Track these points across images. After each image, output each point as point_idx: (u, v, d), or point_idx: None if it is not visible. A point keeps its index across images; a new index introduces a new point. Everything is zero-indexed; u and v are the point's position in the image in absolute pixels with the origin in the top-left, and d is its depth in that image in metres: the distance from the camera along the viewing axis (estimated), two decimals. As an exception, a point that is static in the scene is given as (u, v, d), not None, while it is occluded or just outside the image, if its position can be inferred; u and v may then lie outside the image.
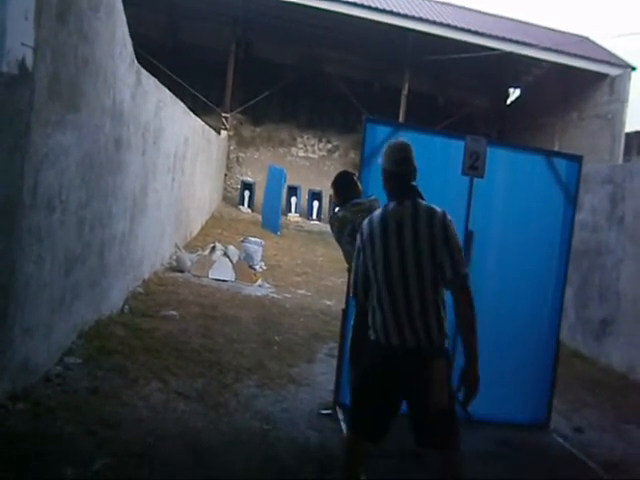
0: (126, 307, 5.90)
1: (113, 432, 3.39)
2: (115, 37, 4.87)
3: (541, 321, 4.69)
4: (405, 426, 2.77)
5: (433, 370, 2.59)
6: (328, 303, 8.28)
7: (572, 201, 4.67)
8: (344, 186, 4.05)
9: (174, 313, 6.20)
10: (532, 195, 4.62)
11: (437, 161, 4.47)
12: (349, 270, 3.97)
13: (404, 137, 4.34)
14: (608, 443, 4.70)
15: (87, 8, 4.11)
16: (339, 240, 3.94)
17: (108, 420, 3.52)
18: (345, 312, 4.41)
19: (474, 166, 4.33)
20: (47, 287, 3.83)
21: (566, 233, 4.67)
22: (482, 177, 4.36)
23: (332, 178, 4.39)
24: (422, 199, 2.82)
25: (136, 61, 5.66)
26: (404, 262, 2.66)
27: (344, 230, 3.85)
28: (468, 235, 4.41)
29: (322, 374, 5.24)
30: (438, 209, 2.78)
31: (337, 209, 4.05)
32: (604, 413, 5.34)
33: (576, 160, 4.72)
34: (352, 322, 3.89)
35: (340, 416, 4.30)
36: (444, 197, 4.43)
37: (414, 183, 2.89)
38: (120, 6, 4.93)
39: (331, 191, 4.12)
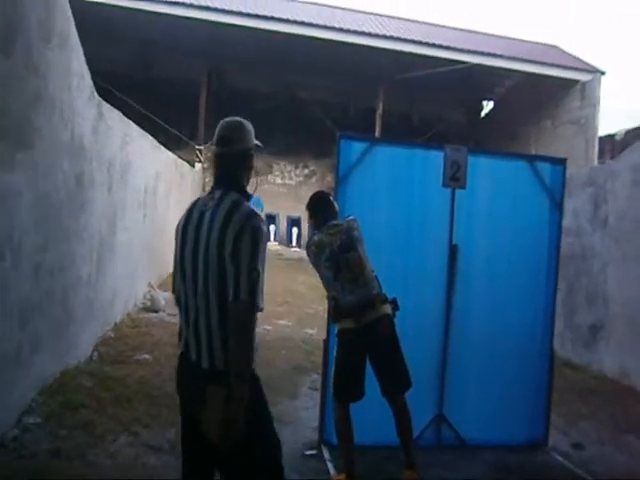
0: (95, 354, 5.54)
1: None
2: (71, 68, 4.62)
3: (533, 334, 4.48)
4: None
5: (208, 398, 2.12)
6: (310, 332, 7.98)
7: (558, 206, 4.49)
8: (320, 207, 3.77)
9: (147, 357, 5.86)
10: (517, 203, 4.43)
11: (417, 174, 4.29)
12: (328, 297, 3.72)
13: (381, 152, 4.25)
14: (610, 458, 4.47)
15: (37, 38, 3.87)
16: (317, 265, 3.63)
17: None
18: (326, 343, 4.16)
19: (455, 177, 4.15)
20: (-2, 343, 3.49)
21: (554, 239, 4.50)
22: (464, 188, 4.18)
23: None
24: (243, 193, 2.30)
25: (96, 94, 5.41)
26: (195, 263, 2.21)
27: (321, 255, 3.57)
28: (452, 249, 4.24)
29: (305, 409, 4.99)
30: (246, 209, 2.20)
31: (313, 232, 3.77)
32: (601, 424, 5.11)
33: (560, 163, 4.55)
34: (334, 353, 3.64)
35: (326, 455, 4.03)
36: (426, 211, 4.31)
37: (239, 171, 2.35)
38: (75, 35, 4.70)
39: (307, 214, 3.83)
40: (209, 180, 19.86)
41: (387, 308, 3.56)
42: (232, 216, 2.16)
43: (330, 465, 3.86)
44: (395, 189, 4.26)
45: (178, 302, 2.32)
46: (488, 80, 20.81)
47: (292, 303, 10.17)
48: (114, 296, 6.56)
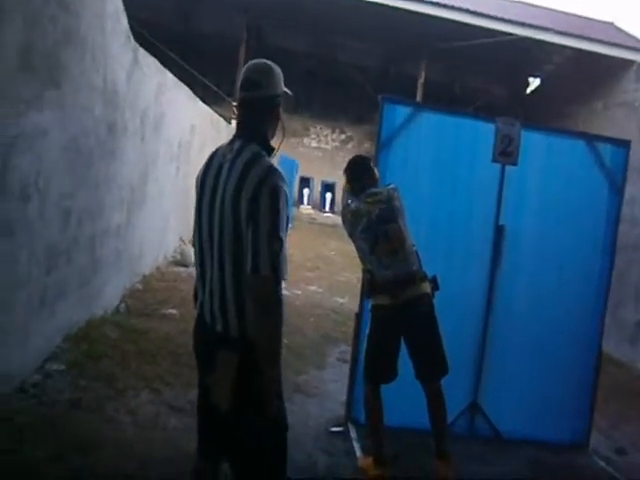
0: (122, 306, 5.46)
1: (89, 458, 2.93)
2: (105, 10, 4.42)
3: (581, 328, 4.16)
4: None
5: (217, 364, 1.98)
6: (341, 301, 7.83)
7: (618, 191, 4.14)
8: (359, 173, 3.48)
9: (174, 312, 5.75)
10: (572, 184, 4.09)
11: (464, 146, 4.00)
12: (364, 270, 3.49)
13: (427, 118, 3.94)
14: (655, 466, 4.17)
15: (67, -26, 3.65)
16: (352, 235, 3.39)
17: (87, 441, 3.07)
18: (359, 317, 3.94)
19: (506, 152, 3.86)
20: (22, 287, 3.39)
21: (611, 227, 4.15)
22: (515, 164, 3.88)
23: None
24: (265, 146, 2.04)
25: (133, 39, 5.19)
26: (211, 222, 2.00)
27: (358, 224, 3.30)
28: (499, 230, 3.96)
29: (333, 382, 4.80)
30: (265, 164, 1.95)
31: (350, 200, 3.51)
32: (646, 430, 4.80)
33: (623, 145, 4.18)
34: (366, 330, 3.44)
35: (352, 434, 3.84)
36: (472, 187, 4.01)
37: (264, 121, 2.09)
38: (109, -26, 4.47)
39: (344, 179, 3.56)
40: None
41: (427, 286, 3.30)
42: (249, 172, 1.91)
43: (356, 445, 3.68)
44: (440, 160, 3.98)
45: (195, 258, 2.13)
46: (536, 55, 19.87)
47: (323, 269, 10.04)
48: (143, 248, 6.46)
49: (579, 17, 20.40)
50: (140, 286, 6.26)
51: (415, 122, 3.89)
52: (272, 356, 1.89)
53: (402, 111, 3.91)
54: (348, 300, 7.86)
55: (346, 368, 5.08)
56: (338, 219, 16.48)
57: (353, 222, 3.35)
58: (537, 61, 20.59)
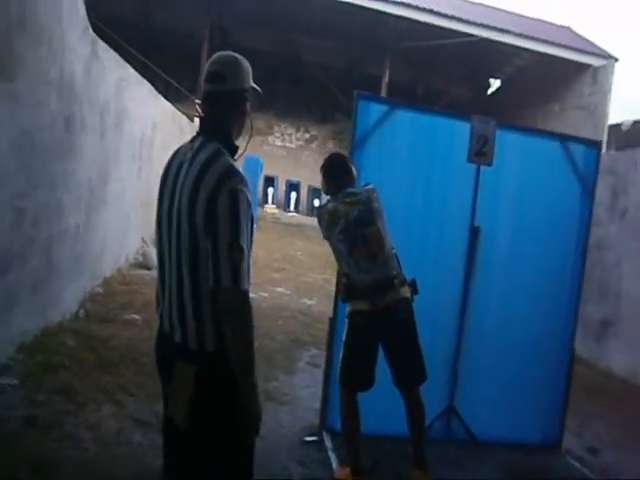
0: (81, 311, 5.16)
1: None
2: (62, -3, 4.14)
3: (554, 329, 4.12)
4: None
5: (176, 375, 1.86)
6: (309, 303, 7.70)
7: (590, 192, 4.10)
8: (336, 171, 3.31)
9: (136, 317, 5.48)
10: (545, 185, 4.03)
11: (439, 145, 3.89)
12: (340, 273, 3.32)
13: (402, 116, 3.78)
14: (628, 465, 4.14)
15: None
16: (329, 237, 3.20)
17: (44, 462, 2.82)
18: (333, 321, 3.79)
19: (481, 152, 3.76)
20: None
21: (583, 228, 4.11)
22: (490, 165, 3.79)
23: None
24: (226, 144, 1.87)
25: (91, 30, 4.92)
26: (169, 228, 1.86)
27: (335, 225, 3.13)
28: (474, 231, 3.87)
29: (304, 388, 4.64)
30: (223, 164, 1.78)
31: (326, 200, 3.32)
32: (615, 427, 4.79)
33: (594, 146, 4.16)
34: (342, 336, 3.28)
35: (327, 444, 3.67)
36: (447, 187, 3.88)
37: (229, 117, 1.92)
38: (66, -43, 4.20)
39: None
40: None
41: (406, 291, 3.16)
42: (206, 172, 1.76)
43: (332, 455, 3.51)
44: (415, 160, 3.86)
45: (157, 263, 1.97)
46: (497, 58, 20.18)
47: (289, 270, 9.85)
48: (104, 249, 6.16)
49: (537, 20, 20.71)
50: (101, 289, 5.96)
51: (390, 120, 3.75)
52: (246, 365, 1.78)
53: (377, 109, 3.76)
54: (316, 302, 7.74)
55: (317, 373, 4.93)
56: (303, 219, 16.45)
57: (330, 222, 3.17)
58: (498, 63, 20.93)
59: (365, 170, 3.63)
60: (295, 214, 18.57)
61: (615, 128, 17.24)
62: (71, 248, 4.87)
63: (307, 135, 21.26)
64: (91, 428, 3.31)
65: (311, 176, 20.00)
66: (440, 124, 3.91)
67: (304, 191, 19.27)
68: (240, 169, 1.80)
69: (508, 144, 3.86)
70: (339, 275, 3.40)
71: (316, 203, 18.90)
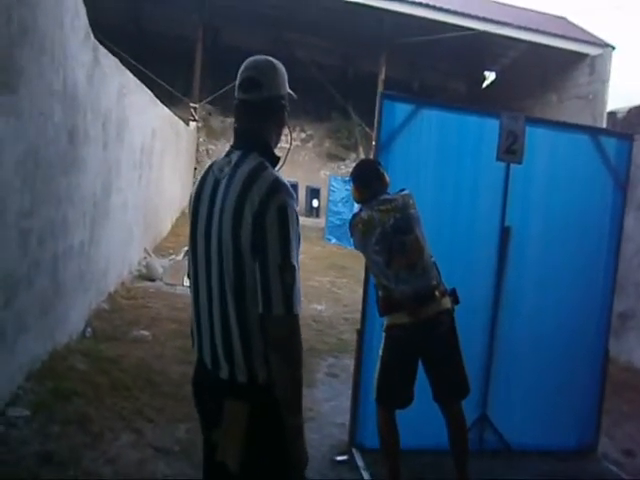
0: (88, 330, 4.97)
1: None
2: (64, 2, 3.93)
3: (588, 328, 3.98)
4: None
5: (225, 415, 1.68)
6: (319, 308, 7.55)
7: (622, 187, 3.95)
8: (368, 178, 3.13)
9: (146, 333, 5.32)
10: (576, 181, 3.88)
11: (468, 145, 3.72)
12: (377, 286, 3.12)
13: (428, 116, 3.60)
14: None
15: (22, -42, 3.17)
16: (364, 248, 3.02)
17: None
18: (361, 334, 3.59)
19: (511, 150, 3.60)
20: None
21: (616, 224, 3.96)
22: (520, 163, 3.63)
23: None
24: (268, 156, 1.73)
25: (92, 36, 4.71)
26: (208, 251, 1.68)
27: (371, 235, 2.95)
28: (505, 232, 3.73)
29: (326, 401, 4.48)
30: (269, 177, 1.63)
31: (360, 208, 3.13)
32: (647, 426, 4.62)
33: (626, 139, 4.00)
34: (379, 351, 3.10)
35: (359, 462, 3.50)
36: (476, 188, 3.73)
37: (267, 126, 1.77)
38: (67, -37, 3.99)
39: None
40: (203, 140, 19.13)
41: (447, 302, 3.00)
42: (250, 188, 1.60)
43: (365, 475, 3.35)
44: (442, 160, 3.70)
45: (191, 291, 1.78)
46: (492, 50, 20.07)
47: (295, 274, 9.69)
48: (108, 264, 5.97)
49: (533, 11, 20.56)
50: (106, 306, 5.77)
51: (416, 120, 3.59)
52: (295, 403, 1.63)
53: (402, 109, 3.58)
54: (326, 306, 7.63)
55: (337, 384, 4.81)
56: (301, 220, 16.44)
57: (365, 232, 2.98)
58: (493, 55, 20.81)
59: (392, 173, 3.44)
60: (294, 215, 18.36)
61: (610, 116, 17.11)
62: (76, 265, 4.67)
63: (303, 135, 21.06)
64: (111, 461, 3.14)
65: (308, 176, 19.87)
66: (467, 122, 3.76)
67: (302, 192, 19.06)
68: (286, 182, 1.66)
69: (537, 140, 3.71)
70: (377, 288, 3.17)
71: (314, 203, 18.73)
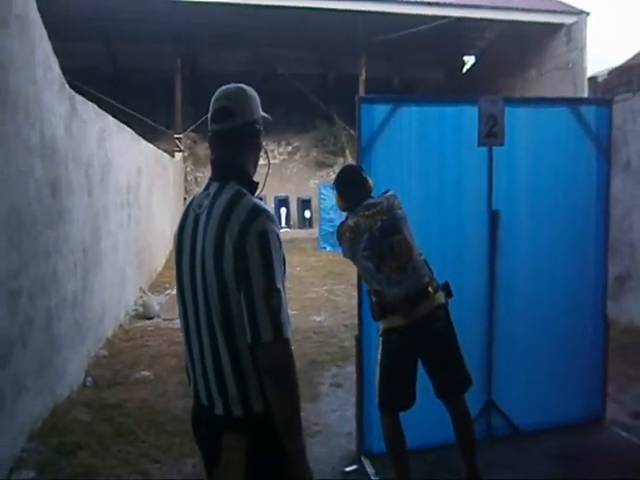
0: (89, 379, 4.99)
1: None
2: (35, 57, 4.00)
3: (585, 298, 4.04)
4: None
5: (224, 450, 1.68)
6: (318, 319, 7.58)
7: (605, 152, 4.00)
8: (351, 184, 3.14)
9: (147, 373, 5.34)
10: (560, 155, 3.93)
11: (449, 135, 3.76)
12: (370, 292, 3.14)
13: (407, 112, 3.64)
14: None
15: (-11, 22, 3.21)
16: (353, 256, 3.02)
17: None
18: (359, 341, 3.63)
19: (492, 133, 3.65)
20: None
21: (602, 190, 4.01)
22: (502, 145, 3.68)
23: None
24: (246, 184, 1.73)
25: (68, 86, 4.73)
26: (194, 288, 1.70)
27: (359, 242, 2.95)
28: (493, 216, 3.76)
29: (331, 412, 4.50)
30: (246, 205, 1.63)
31: (345, 216, 3.13)
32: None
33: (605, 105, 4.06)
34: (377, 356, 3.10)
35: (369, 470, 3.52)
36: (461, 176, 3.76)
37: (242, 154, 1.78)
38: (37, 19, 4.06)
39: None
40: (190, 169, 19.18)
41: (441, 296, 3.02)
42: (229, 218, 1.61)
43: None
44: (425, 153, 3.74)
45: (181, 328, 1.80)
46: (468, 34, 20.17)
47: (292, 289, 9.63)
48: (104, 310, 5.99)
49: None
50: (105, 352, 5.77)
51: (395, 118, 3.62)
52: (294, 428, 1.63)
53: (381, 109, 3.61)
54: (325, 317, 7.66)
55: (342, 393, 4.84)
56: (295, 232, 16.38)
57: (353, 240, 2.98)
58: (470, 39, 20.89)
59: (376, 173, 3.48)
60: (288, 229, 18.37)
61: (591, 81, 17.20)
62: (71, 317, 4.70)
63: (289, 148, 21.17)
64: (120, 509, 3.11)
65: (298, 188, 19.94)
66: (446, 112, 3.79)
67: (293, 205, 19.12)
68: (265, 206, 1.66)
69: (517, 119, 3.76)
70: (370, 294, 3.19)
71: (307, 214, 18.75)
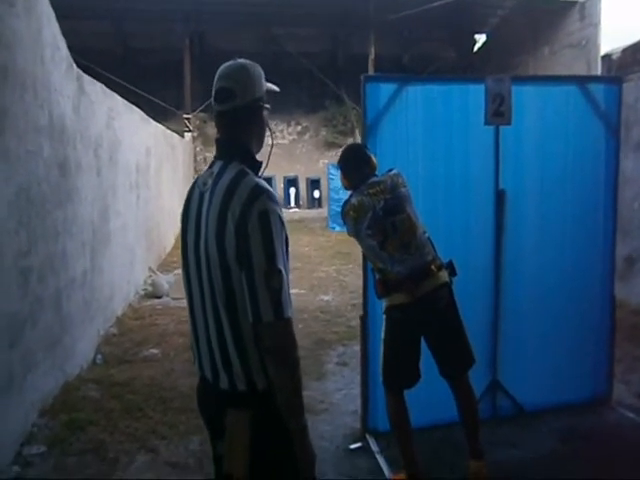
0: (99, 357, 5.07)
1: None
2: (42, 37, 4.01)
3: (593, 278, 4.03)
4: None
5: (228, 425, 1.69)
6: (326, 298, 7.62)
7: (615, 131, 3.96)
8: (355, 163, 3.13)
9: (155, 351, 5.41)
10: (568, 134, 3.89)
11: (455, 114, 3.73)
12: (374, 270, 3.14)
13: (413, 91, 3.60)
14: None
15: (-4, 2, 3.21)
16: (357, 234, 3.03)
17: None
18: (364, 320, 3.66)
19: (499, 112, 3.61)
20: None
21: (611, 170, 3.97)
22: (509, 124, 3.65)
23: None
24: (249, 162, 1.74)
25: (75, 66, 4.74)
26: (198, 266, 1.72)
27: (362, 220, 2.96)
28: (499, 195, 3.75)
29: (337, 391, 4.55)
30: (248, 184, 1.64)
31: (350, 195, 3.12)
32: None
33: (615, 82, 4.00)
34: (381, 334, 3.11)
35: (373, 447, 3.56)
36: (467, 155, 3.74)
37: (246, 133, 1.77)
38: (45, -1, 4.02)
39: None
40: (200, 149, 19.16)
41: (444, 275, 3.01)
42: (231, 198, 1.61)
43: (381, 460, 3.40)
44: (432, 133, 3.71)
45: (187, 306, 1.83)
46: (480, 12, 19.79)
47: (301, 268, 9.69)
48: (113, 289, 6.06)
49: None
50: (115, 330, 5.86)
51: (401, 97, 3.59)
52: (296, 407, 1.65)
53: (386, 88, 3.58)
54: (333, 296, 7.69)
55: (348, 372, 4.89)
56: (305, 212, 16.31)
57: (357, 218, 2.99)
58: (482, 17, 20.48)
59: (381, 153, 3.47)
60: (297, 209, 18.37)
61: (605, 59, 16.87)
62: (80, 296, 4.76)
63: (299, 127, 21.03)
64: (128, 484, 3.19)
65: (307, 168, 19.86)
66: (454, 91, 3.75)
67: (302, 184, 19.07)
68: (267, 186, 1.66)
69: (524, 98, 3.72)
70: (374, 272, 3.19)
71: (316, 194, 18.71)
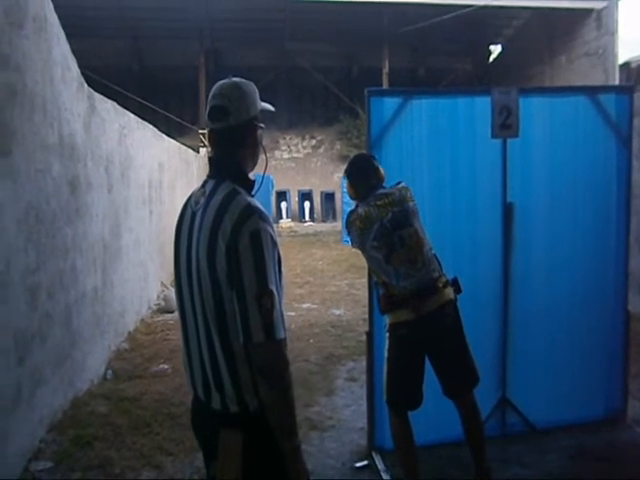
0: (109, 372, 5.11)
1: None
2: (52, 57, 4.07)
3: (605, 292, 3.93)
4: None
5: (220, 446, 1.69)
6: (337, 313, 7.61)
7: (626, 142, 3.88)
8: (363, 173, 3.08)
9: (165, 367, 5.43)
10: (578, 146, 3.82)
11: (461, 127, 3.70)
12: (377, 284, 3.11)
13: (418, 105, 3.58)
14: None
15: (4, 24, 3.28)
16: (362, 245, 2.97)
17: None
18: (370, 336, 3.62)
19: (506, 124, 3.57)
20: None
21: (623, 182, 3.89)
22: (517, 136, 3.60)
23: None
24: (241, 182, 1.73)
25: (86, 85, 4.83)
26: (190, 285, 1.71)
27: (369, 232, 2.91)
28: (507, 208, 3.69)
29: (346, 407, 4.52)
30: (239, 204, 1.63)
31: (356, 205, 3.07)
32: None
33: (626, 92, 3.93)
34: (384, 352, 3.06)
35: (380, 465, 3.51)
36: (474, 168, 3.70)
37: (239, 152, 1.77)
38: (54, 19, 4.13)
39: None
40: (215, 164, 19.34)
41: (450, 292, 2.96)
42: (222, 218, 1.61)
43: (386, 477, 3.38)
44: (437, 147, 3.68)
45: (180, 326, 1.83)
46: (495, 23, 19.92)
47: (313, 282, 9.73)
48: (125, 304, 6.10)
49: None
50: (126, 345, 5.90)
51: (406, 111, 3.57)
52: (288, 428, 1.64)
53: (391, 102, 3.56)
54: (344, 311, 7.66)
55: (357, 388, 4.84)
56: (319, 226, 16.33)
57: (363, 229, 2.94)
58: (497, 27, 20.61)
59: (386, 166, 3.41)
60: (311, 223, 18.45)
61: (623, 67, 16.63)
62: (91, 312, 4.80)
63: (313, 141, 21.20)
64: (132, 501, 3.19)
65: (322, 182, 19.97)
66: (459, 104, 3.71)
67: (317, 198, 19.15)
68: (259, 205, 1.65)
69: (533, 110, 3.68)
70: (377, 286, 3.16)
71: (330, 208, 18.81)
